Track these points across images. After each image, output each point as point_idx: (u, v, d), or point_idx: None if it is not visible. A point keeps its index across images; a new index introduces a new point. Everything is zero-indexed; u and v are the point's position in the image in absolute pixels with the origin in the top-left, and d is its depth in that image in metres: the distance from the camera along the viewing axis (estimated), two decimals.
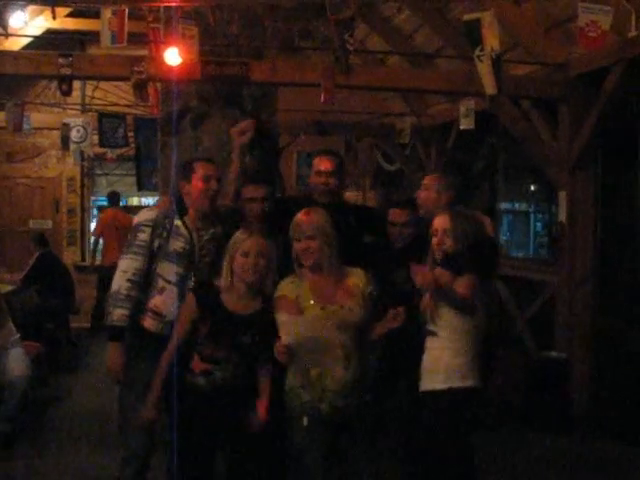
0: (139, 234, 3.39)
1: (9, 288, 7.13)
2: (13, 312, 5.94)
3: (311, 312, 3.10)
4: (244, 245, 3.16)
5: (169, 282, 3.40)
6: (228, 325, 3.14)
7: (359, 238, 3.94)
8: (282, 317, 3.13)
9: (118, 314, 3.30)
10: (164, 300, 3.39)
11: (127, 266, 3.36)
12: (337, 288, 3.18)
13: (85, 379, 7.07)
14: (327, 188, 3.87)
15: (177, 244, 3.40)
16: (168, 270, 3.40)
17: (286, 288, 3.20)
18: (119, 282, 3.34)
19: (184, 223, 3.45)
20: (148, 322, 3.40)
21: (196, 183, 3.46)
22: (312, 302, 3.11)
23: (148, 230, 3.39)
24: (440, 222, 3.31)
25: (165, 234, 3.40)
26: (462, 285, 3.15)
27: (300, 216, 3.21)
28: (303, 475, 3.16)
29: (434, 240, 3.31)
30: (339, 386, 3.09)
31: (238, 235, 3.22)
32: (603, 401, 5.60)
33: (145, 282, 3.38)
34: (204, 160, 3.63)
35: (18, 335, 5.42)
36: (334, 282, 3.19)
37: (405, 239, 3.89)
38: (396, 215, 3.91)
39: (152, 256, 3.39)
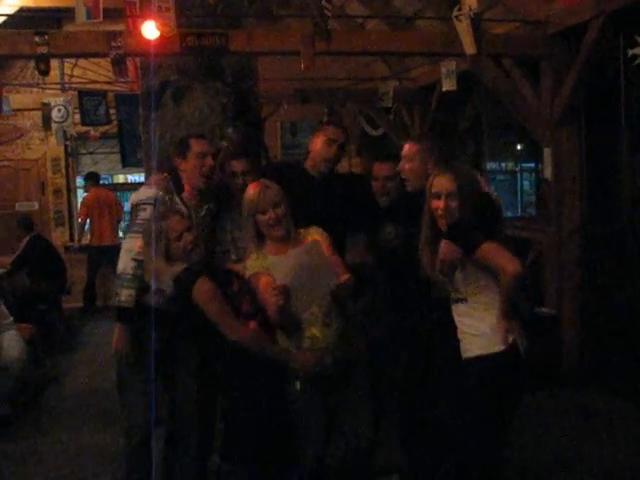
0: (140, 212, 3.37)
1: None
2: (4, 296, 5.96)
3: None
4: (172, 229, 3.22)
5: None
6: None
7: (349, 204, 3.86)
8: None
9: (125, 294, 3.28)
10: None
11: (131, 245, 3.33)
12: None
13: (80, 358, 7.11)
14: (334, 158, 3.79)
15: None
16: None
17: (254, 265, 3.21)
18: (125, 262, 3.31)
19: (182, 200, 3.47)
20: (151, 298, 3.32)
21: (192, 160, 3.47)
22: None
23: (150, 208, 3.35)
24: (443, 183, 2.90)
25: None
26: (503, 258, 2.75)
27: (256, 189, 3.21)
28: (308, 438, 3.19)
29: (436, 204, 2.91)
30: (323, 343, 3.13)
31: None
32: (592, 355, 5.68)
33: None
34: (198, 137, 3.63)
35: (11, 318, 5.44)
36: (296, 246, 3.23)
37: (390, 194, 3.77)
38: (378, 169, 3.81)
39: None
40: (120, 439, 3.60)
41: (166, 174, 3.59)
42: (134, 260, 3.28)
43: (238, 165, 3.72)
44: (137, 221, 3.37)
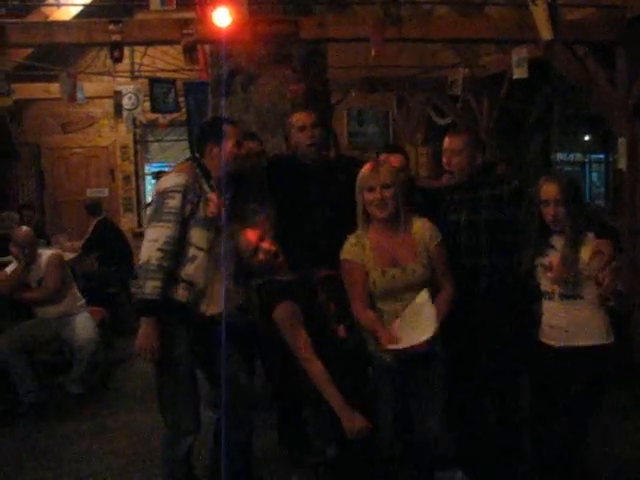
0: (168, 200, 3.18)
1: (71, 256, 7.31)
2: (76, 279, 6.11)
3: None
4: (245, 246, 3.35)
5: (201, 249, 3.24)
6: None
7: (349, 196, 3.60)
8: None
9: (150, 286, 3.08)
10: (196, 269, 3.22)
11: (157, 235, 3.14)
12: (402, 245, 3.19)
13: None
14: (315, 140, 3.76)
15: (207, 209, 3.26)
16: (199, 237, 3.24)
17: (351, 251, 3.22)
18: (149, 252, 3.12)
19: (211, 187, 3.32)
20: (179, 293, 3.21)
21: (229, 147, 3.34)
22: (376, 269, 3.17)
23: (178, 196, 3.18)
24: (550, 191, 3.11)
25: (196, 199, 3.23)
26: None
27: (369, 167, 3.20)
28: (376, 419, 3.20)
29: (547, 210, 3.12)
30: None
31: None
32: None
33: (176, 251, 3.18)
34: (233, 123, 3.52)
35: (83, 300, 5.59)
36: (400, 238, 3.19)
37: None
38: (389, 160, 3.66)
39: (183, 223, 3.19)
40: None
41: (191, 161, 3.43)
42: (160, 250, 3.11)
43: (254, 145, 3.84)
44: (165, 209, 3.17)
